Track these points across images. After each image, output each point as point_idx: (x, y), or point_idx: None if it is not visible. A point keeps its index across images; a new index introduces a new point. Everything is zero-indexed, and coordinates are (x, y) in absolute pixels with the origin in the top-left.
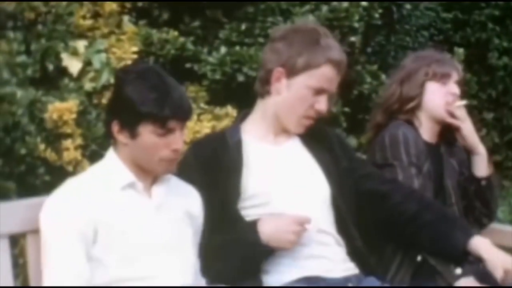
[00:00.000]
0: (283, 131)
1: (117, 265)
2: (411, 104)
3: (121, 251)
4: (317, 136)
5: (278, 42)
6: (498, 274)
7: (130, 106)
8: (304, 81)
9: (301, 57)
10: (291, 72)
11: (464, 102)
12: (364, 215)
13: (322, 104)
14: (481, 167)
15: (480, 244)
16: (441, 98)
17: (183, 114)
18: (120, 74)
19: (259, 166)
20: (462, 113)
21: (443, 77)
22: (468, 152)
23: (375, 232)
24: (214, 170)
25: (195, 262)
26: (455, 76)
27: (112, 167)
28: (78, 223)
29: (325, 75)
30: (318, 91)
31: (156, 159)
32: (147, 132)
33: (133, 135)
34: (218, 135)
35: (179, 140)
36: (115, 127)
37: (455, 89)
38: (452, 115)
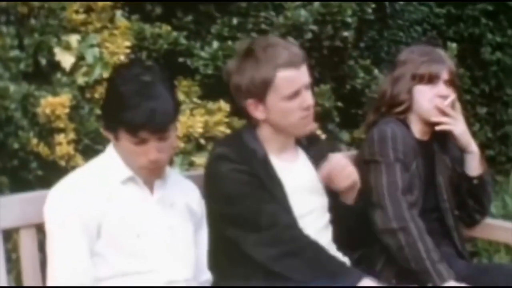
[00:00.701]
0: (292, 145)
1: (119, 259)
2: (401, 108)
3: (123, 245)
4: (317, 148)
5: (234, 76)
6: None
7: (111, 110)
8: (275, 97)
9: (254, 81)
10: (259, 97)
11: (450, 99)
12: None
13: (306, 101)
14: (473, 166)
15: None
16: (429, 101)
17: (153, 126)
18: (113, 74)
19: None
20: (453, 112)
21: (431, 79)
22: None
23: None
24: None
25: (196, 255)
26: (444, 75)
27: (110, 162)
28: (82, 218)
29: (286, 80)
30: (294, 95)
31: (136, 165)
32: (124, 138)
33: (116, 138)
34: (238, 142)
35: (153, 151)
36: (103, 126)
37: (444, 91)
38: (443, 113)
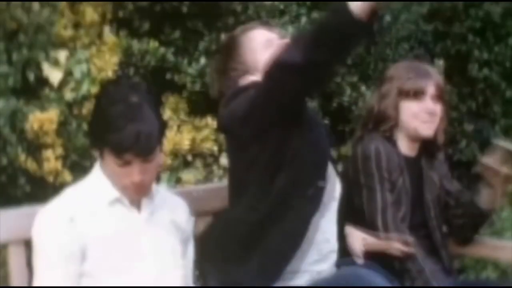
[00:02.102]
0: None
1: (109, 279)
2: (387, 124)
3: (112, 265)
4: None
5: None
6: None
7: (97, 129)
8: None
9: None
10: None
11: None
12: None
13: None
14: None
15: None
16: (416, 117)
17: (138, 150)
18: (100, 92)
19: None
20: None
21: (417, 94)
22: (450, 166)
23: None
24: None
25: (185, 273)
26: (431, 90)
27: (97, 183)
28: (66, 242)
29: (257, 38)
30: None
31: (120, 186)
32: (109, 159)
33: (101, 156)
34: None
35: (137, 173)
36: (90, 143)
37: (431, 106)
38: None
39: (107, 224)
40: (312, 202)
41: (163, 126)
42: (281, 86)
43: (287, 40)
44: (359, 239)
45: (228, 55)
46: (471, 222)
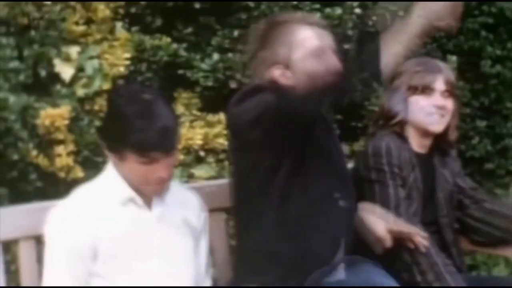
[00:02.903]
0: None
1: (118, 276)
2: (396, 119)
3: (123, 264)
4: None
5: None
6: None
7: (116, 131)
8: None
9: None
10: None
11: None
12: None
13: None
14: None
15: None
16: (423, 112)
17: (166, 147)
18: (111, 96)
19: None
20: None
21: (425, 89)
22: (462, 162)
23: None
24: None
25: (196, 272)
26: (440, 86)
27: (111, 182)
28: (77, 242)
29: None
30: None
31: (143, 183)
32: (132, 159)
33: (121, 158)
34: None
35: (164, 169)
36: (104, 147)
37: (439, 101)
38: None
39: (119, 223)
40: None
41: (177, 119)
42: (292, 112)
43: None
44: (382, 219)
45: (260, 43)
46: (488, 230)
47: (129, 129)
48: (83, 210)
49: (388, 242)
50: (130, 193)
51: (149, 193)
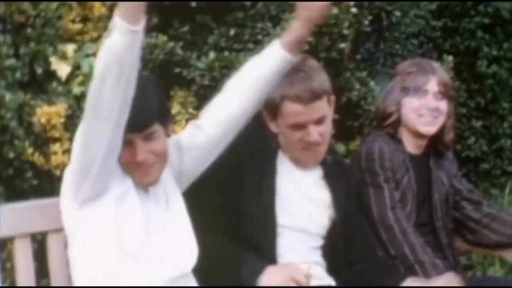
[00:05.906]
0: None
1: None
2: (390, 120)
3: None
4: (339, 171)
5: None
6: None
7: None
8: (282, 121)
9: (269, 98)
10: (271, 113)
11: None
12: None
13: (311, 136)
14: None
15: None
16: (415, 113)
17: (134, 126)
18: None
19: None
20: None
21: (417, 91)
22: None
23: None
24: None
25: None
26: (432, 87)
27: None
28: None
29: (291, 112)
30: (297, 127)
31: (127, 168)
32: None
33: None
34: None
35: (137, 152)
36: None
37: (432, 103)
38: None
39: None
40: None
41: (163, 107)
42: None
43: None
44: None
45: None
46: (485, 232)
47: None
48: None
49: None
50: (128, 182)
51: (136, 181)
